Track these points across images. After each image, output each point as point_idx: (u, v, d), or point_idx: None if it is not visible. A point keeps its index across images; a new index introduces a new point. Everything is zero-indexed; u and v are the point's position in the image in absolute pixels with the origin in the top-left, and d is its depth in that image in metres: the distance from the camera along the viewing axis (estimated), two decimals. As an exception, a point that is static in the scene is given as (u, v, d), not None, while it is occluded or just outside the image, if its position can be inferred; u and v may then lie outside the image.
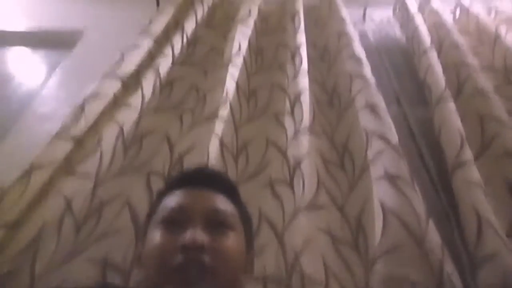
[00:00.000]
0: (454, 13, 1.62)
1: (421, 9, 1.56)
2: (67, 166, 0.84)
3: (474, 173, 0.88)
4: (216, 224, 0.57)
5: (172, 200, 0.60)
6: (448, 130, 1.00)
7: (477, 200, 0.82)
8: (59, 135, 0.88)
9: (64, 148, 0.86)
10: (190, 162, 0.87)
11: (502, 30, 1.39)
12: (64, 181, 0.81)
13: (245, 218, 0.65)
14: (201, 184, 0.63)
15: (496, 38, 1.33)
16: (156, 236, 0.56)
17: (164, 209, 0.59)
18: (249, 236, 0.64)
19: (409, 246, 0.73)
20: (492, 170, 0.93)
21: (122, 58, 1.14)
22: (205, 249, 0.52)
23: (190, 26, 1.39)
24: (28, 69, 1.52)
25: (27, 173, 0.78)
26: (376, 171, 0.88)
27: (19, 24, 1.67)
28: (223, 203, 0.61)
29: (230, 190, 0.65)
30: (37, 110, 1.22)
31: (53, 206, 0.76)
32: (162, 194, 0.64)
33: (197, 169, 0.71)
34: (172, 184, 0.66)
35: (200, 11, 1.48)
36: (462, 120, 1.02)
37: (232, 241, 0.57)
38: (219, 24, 1.54)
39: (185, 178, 0.67)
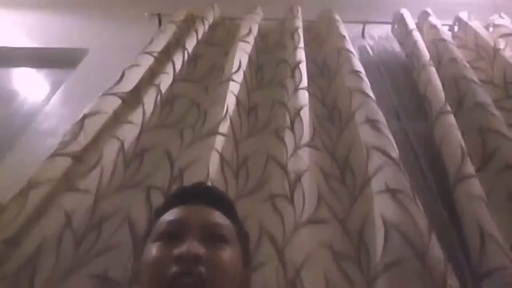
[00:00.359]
0: (452, 28, 1.63)
1: (419, 25, 1.58)
2: (67, 182, 0.84)
3: (476, 186, 0.88)
4: (212, 238, 0.57)
5: (169, 216, 0.61)
6: (448, 144, 1.00)
7: (479, 213, 0.81)
8: (57, 152, 0.88)
9: (62, 164, 0.86)
10: (190, 177, 0.87)
11: (501, 44, 1.40)
12: (64, 196, 0.81)
13: (242, 234, 0.65)
14: (198, 201, 0.63)
15: (495, 53, 1.35)
16: (152, 249, 0.56)
17: (161, 225, 0.60)
18: (246, 253, 0.64)
19: (411, 260, 0.72)
20: (494, 184, 0.92)
21: (122, 76, 1.16)
22: (202, 261, 0.52)
23: (191, 44, 1.41)
24: (32, 87, 1.54)
25: (25, 190, 0.78)
26: (377, 185, 0.88)
27: (25, 43, 1.71)
28: (220, 218, 0.61)
29: (227, 207, 0.66)
30: (39, 127, 1.23)
31: (53, 222, 0.76)
32: (159, 212, 0.65)
33: (194, 186, 0.71)
34: (169, 202, 0.66)
35: (201, 29, 1.51)
36: (462, 134, 1.02)
37: (229, 255, 0.56)
38: (220, 41, 1.57)
39: (182, 195, 0.67)
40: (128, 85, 1.14)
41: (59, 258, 0.73)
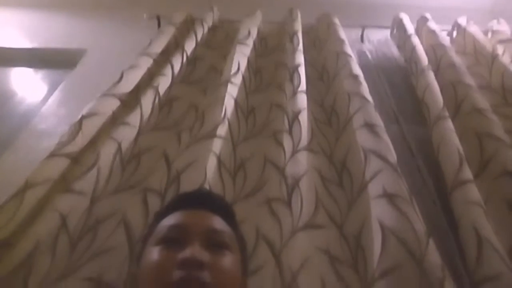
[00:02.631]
0: (451, 34, 1.64)
1: (418, 30, 1.59)
2: (64, 183, 0.84)
3: (473, 192, 0.88)
4: (214, 243, 0.57)
5: (171, 220, 0.60)
6: (446, 149, 1.00)
7: (477, 219, 0.81)
8: (55, 152, 0.88)
9: (60, 165, 0.86)
10: (188, 180, 0.87)
11: (499, 50, 1.40)
12: (60, 198, 0.80)
13: (240, 241, 0.65)
14: (199, 206, 0.63)
15: (493, 58, 1.35)
16: (153, 253, 0.56)
17: (162, 229, 0.59)
18: (244, 260, 0.64)
19: (409, 265, 0.72)
20: (492, 189, 0.92)
21: (121, 77, 1.15)
22: (205, 266, 0.51)
23: (190, 46, 1.41)
24: (30, 87, 1.53)
25: (21, 191, 0.77)
26: (375, 189, 0.87)
27: (23, 43, 1.70)
28: (221, 225, 0.61)
29: (228, 214, 0.66)
30: (36, 127, 1.22)
31: (48, 223, 0.75)
32: (159, 216, 0.64)
33: (195, 191, 0.71)
34: (170, 206, 0.66)
35: (200, 32, 1.51)
36: (460, 139, 1.02)
37: (230, 261, 0.57)
38: (219, 44, 1.56)
39: (183, 199, 0.67)
40: (127, 86, 1.14)
41: (54, 260, 0.73)
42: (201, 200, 0.66)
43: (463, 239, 0.81)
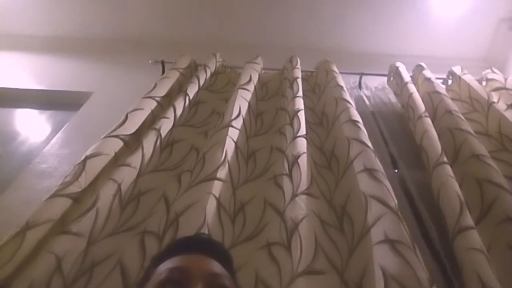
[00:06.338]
0: (446, 82, 1.69)
1: (414, 77, 1.63)
2: (62, 224, 0.83)
3: (475, 238, 0.87)
4: (216, 286, 0.56)
5: (172, 263, 0.59)
6: (446, 195, 1.00)
7: (480, 266, 0.79)
8: (57, 193, 0.88)
9: (61, 205, 0.85)
10: (187, 222, 0.86)
11: (494, 98, 1.44)
12: (57, 239, 0.79)
13: (237, 287, 0.64)
14: (199, 250, 0.63)
15: (489, 105, 1.38)
16: None
17: (163, 272, 0.58)
18: None
19: (412, 315, 0.70)
20: (494, 235, 0.91)
21: (125, 119, 1.18)
22: None
23: (192, 90, 1.44)
24: (34, 128, 1.55)
25: (22, 231, 0.77)
26: (376, 235, 0.86)
27: (31, 85, 1.74)
28: (221, 269, 0.61)
29: (226, 260, 0.65)
30: (37, 166, 1.22)
31: (43, 265, 0.74)
32: (157, 259, 0.63)
33: (195, 236, 0.71)
34: (169, 250, 0.65)
35: (203, 77, 1.55)
36: (460, 185, 1.02)
37: None
38: (221, 89, 1.60)
39: (183, 244, 0.67)
40: (131, 127, 1.16)
41: (47, 304, 0.71)
42: (201, 245, 0.65)
43: (466, 287, 0.79)
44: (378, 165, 1.06)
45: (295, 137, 1.18)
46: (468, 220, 0.91)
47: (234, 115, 1.25)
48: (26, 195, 1.08)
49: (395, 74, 1.66)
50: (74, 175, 0.93)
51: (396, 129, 1.48)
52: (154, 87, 1.41)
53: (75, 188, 0.90)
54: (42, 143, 1.40)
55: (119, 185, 0.97)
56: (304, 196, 0.99)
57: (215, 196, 0.95)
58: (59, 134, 1.39)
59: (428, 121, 1.27)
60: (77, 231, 0.83)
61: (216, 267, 0.60)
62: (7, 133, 1.49)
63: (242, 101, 1.35)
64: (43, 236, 0.78)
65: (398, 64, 1.68)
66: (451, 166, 1.08)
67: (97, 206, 0.89)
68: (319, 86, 1.62)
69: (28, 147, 1.41)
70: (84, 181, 0.92)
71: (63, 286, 0.75)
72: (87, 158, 0.98)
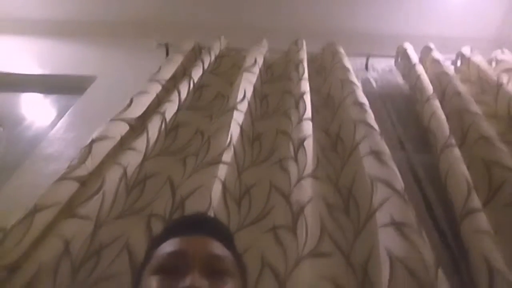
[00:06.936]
0: (455, 63, 1.66)
1: (422, 59, 1.61)
2: (70, 207, 0.84)
3: (483, 221, 0.86)
4: (215, 270, 0.55)
5: (169, 247, 0.58)
6: (454, 177, 0.99)
7: (487, 249, 0.79)
8: (64, 176, 0.88)
9: (69, 189, 0.86)
10: (192, 206, 0.86)
11: (504, 79, 1.41)
12: (64, 222, 0.80)
13: (241, 267, 0.63)
14: (198, 231, 0.61)
15: (499, 87, 1.35)
16: (152, 284, 0.54)
17: (161, 256, 0.58)
18: (245, 285, 0.62)
19: (418, 297, 0.70)
20: (501, 218, 0.90)
21: (131, 103, 1.17)
22: None
23: (197, 73, 1.43)
24: (39, 112, 1.56)
25: (31, 213, 0.77)
26: (382, 218, 0.86)
27: (35, 69, 1.74)
28: (221, 250, 0.59)
29: (227, 238, 0.64)
30: (43, 151, 1.23)
31: (51, 248, 0.74)
32: (156, 241, 0.63)
33: (192, 216, 0.70)
34: (169, 231, 0.64)
35: (207, 60, 1.54)
36: (468, 167, 1.01)
37: None
38: (226, 72, 1.59)
39: (183, 224, 0.66)
40: (136, 111, 1.16)
41: (55, 286, 0.72)
42: (199, 224, 0.64)
43: (473, 269, 0.79)
44: (384, 147, 1.05)
45: (300, 120, 1.17)
46: (476, 202, 0.90)
47: (239, 98, 1.24)
48: (33, 179, 1.09)
49: (403, 55, 1.64)
50: (80, 159, 0.93)
51: (403, 111, 1.47)
52: (159, 70, 1.40)
53: (82, 172, 0.90)
54: (47, 127, 1.40)
55: (125, 169, 0.97)
56: (309, 179, 0.99)
57: (220, 180, 0.94)
58: (64, 118, 1.39)
59: (436, 103, 1.25)
60: (85, 214, 0.83)
61: (217, 248, 0.59)
62: (12, 118, 1.49)
63: (247, 84, 1.33)
64: (52, 219, 0.79)
65: (406, 45, 1.66)
66: (459, 148, 1.07)
67: (103, 190, 0.89)
68: (325, 68, 1.60)
69: (33, 131, 1.42)
70: (90, 164, 0.93)
71: (71, 269, 0.76)
72: (93, 141, 0.98)
